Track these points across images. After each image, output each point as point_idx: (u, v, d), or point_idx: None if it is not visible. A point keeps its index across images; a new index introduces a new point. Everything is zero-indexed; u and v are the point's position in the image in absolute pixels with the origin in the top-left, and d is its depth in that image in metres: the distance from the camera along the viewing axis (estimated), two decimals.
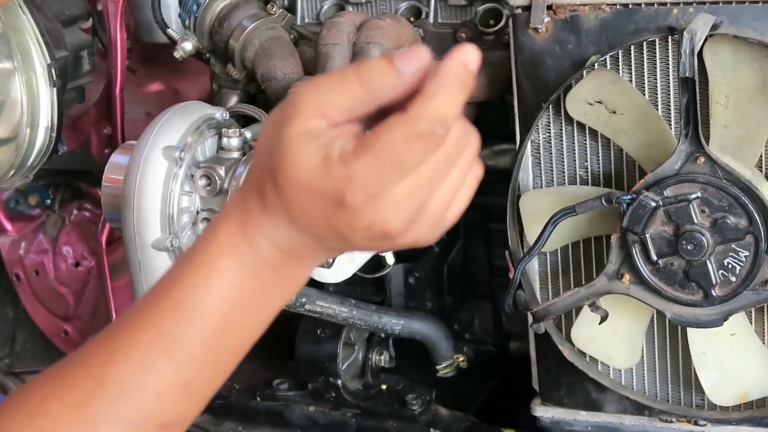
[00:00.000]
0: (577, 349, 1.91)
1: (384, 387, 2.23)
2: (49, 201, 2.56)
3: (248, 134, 1.90)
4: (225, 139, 1.86)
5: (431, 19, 2.16)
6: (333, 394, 2.18)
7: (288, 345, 2.23)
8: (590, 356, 1.93)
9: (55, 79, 2.05)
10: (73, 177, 2.43)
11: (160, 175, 1.80)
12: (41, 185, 2.50)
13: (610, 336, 1.86)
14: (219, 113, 1.89)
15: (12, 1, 2.04)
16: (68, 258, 2.56)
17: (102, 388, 1.02)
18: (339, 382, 2.17)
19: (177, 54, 2.17)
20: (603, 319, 1.81)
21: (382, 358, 2.24)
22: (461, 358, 2.26)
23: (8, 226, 2.60)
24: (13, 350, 2.85)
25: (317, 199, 1.01)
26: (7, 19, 2.05)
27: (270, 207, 1.04)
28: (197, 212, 1.84)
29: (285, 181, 1.02)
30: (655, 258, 1.72)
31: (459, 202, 1.14)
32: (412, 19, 2.17)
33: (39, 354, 2.83)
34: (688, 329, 1.81)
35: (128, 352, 1.03)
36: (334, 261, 1.80)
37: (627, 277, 1.76)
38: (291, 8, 2.27)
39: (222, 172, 1.81)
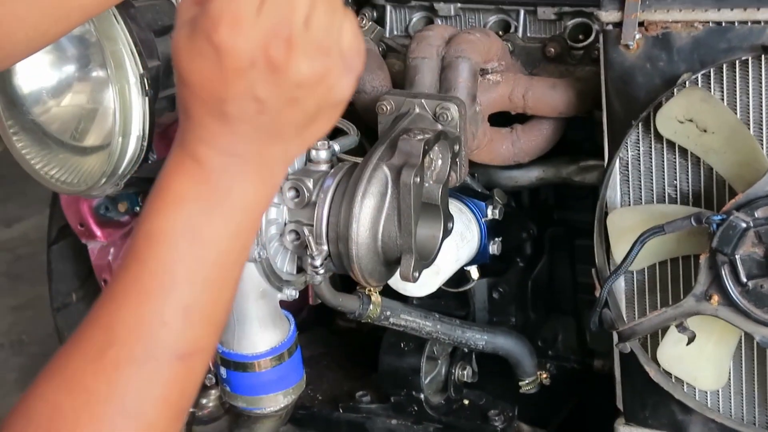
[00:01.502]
0: (663, 369, 1.89)
1: (466, 402, 2.23)
2: (138, 208, 2.58)
3: (336, 147, 1.90)
4: (313, 152, 1.86)
5: (520, 33, 2.16)
6: (415, 408, 2.18)
7: (371, 357, 2.23)
8: (676, 377, 1.91)
9: (147, 88, 2.07)
10: None
11: None
12: (131, 192, 2.53)
13: (696, 357, 1.84)
14: None
15: (107, 10, 2.06)
16: None
17: (112, 333, 1.06)
18: (421, 395, 2.17)
19: None
20: (690, 340, 1.79)
21: (465, 372, 2.24)
22: (544, 375, 2.25)
23: (98, 232, 2.62)
24: None
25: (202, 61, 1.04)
26: (101, 28, 2.07)
27: (191, 116, 1.08)
28: (285, 224, 1.85)
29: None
30: (744, 280, 1.69)
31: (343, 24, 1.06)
32: (500, 32, 2.17)
33: None
34: None
35: (124, 295, 1.07)
36: (420, 274, 1.79)
37: (715, 298, 1.73)
38: (380, 21, 2.28)
39: (310, 184, 1.82)
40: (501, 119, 2.10)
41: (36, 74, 2.18)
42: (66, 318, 2.86)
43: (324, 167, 1.85)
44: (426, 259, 1.81)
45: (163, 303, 1.07)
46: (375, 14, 2.29)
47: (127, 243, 1.13)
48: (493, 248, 2.12)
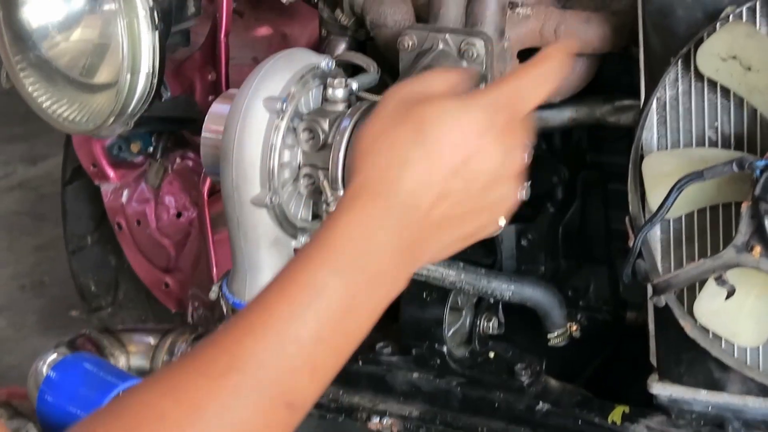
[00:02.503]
0: (700, 324, 1.80)
1: (491, 355, 2.14)
2: (151, 149, 2.51)
3: (355, 85, 1.80)
4: (330, 90, 1.76)
5: None
6: (438, 361, 2.10)
7: (393, 307, 2.13)
8: (714, 333, 1.81)
9: (157, 22, 1.98)
10: (176, 124, 2.37)
11: (261, 127, 1.71)
12: (144, 132, 2.45)
13: (736, 312, 1.74)
14: (324, 62, 1.79)
15: None
16: (170, 208, 2.51)
17: (239, 362, 1.07)
18: (444, 348, 2.09)
19: None
20: (730, 293, 1.69)
21: (491, 324, 2.15)
22: (574, 327, 2.16)
23: (111, 173, 2.56)
24: (116, 299, 2.84)
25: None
26: None
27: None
28: (299, 167, 1.76)
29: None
30: None
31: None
32: None
33: (141, 304, 2.80)
34: None
35: (262, 330, 1.09)
36: None
37: (758, 249, 1.63)
38: None
39: (326, 125, 1.72)
40: (531, 56, 1.98)
41: (44, 8, 2.11)
42: (81, 261, 2.81)
43: (341, 107, 1.76)
44: None
45: (298, 352, 1.09)
46: None
47: (278, 275, 1.15)
48: (521, 193, 2.01)
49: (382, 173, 1.14)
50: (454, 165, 1.15)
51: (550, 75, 1.22)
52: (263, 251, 1.76)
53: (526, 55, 1.97)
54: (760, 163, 1.59)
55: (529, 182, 2.02)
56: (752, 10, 1.64)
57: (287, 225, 1.76)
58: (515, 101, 1.20)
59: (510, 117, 1.19)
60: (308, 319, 1.09)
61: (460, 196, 1.17)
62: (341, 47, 2.16)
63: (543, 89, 1.22)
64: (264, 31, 2.58)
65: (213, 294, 1.88)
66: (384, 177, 1.14)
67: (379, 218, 1.13)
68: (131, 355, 2.17)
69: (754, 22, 1.65)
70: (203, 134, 1.82)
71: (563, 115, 2.09)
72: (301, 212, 1.79)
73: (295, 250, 1.81)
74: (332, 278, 1.10)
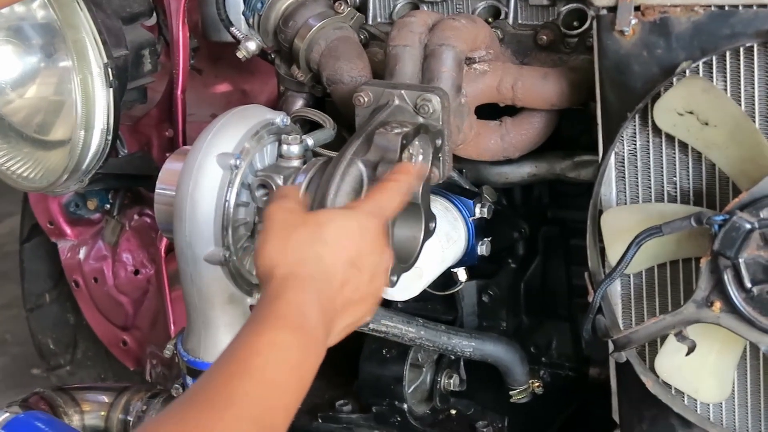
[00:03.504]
0: (662, 380, 1.78)
1: (453, 412, 2.14)
2: (108, 206, 2.48)
3: (310, 141, 1.79)
4: (285, 146, 1.75)
5: (510, 20, 2.03)
6: (398, 419, 2.08)
7: (352, 364, 2.12)
8: (676, 389, 1.79)
9: (112, 79, 1.97)
10: (133, 181, 2.35)
11: (214, 183, 1.69)
12: (100, 189, 2.43)
13: (698, 368, 1.73)
14: (279, 118, 1.77)
15: None
16: (128, 265, 2.49)
17: (236, 398, 1.23)
18: (405, 405, 2.07)
19: (240, 54, 2.08)
20: (690, 349, 1.67)
21: (452, 381, 2.14)
22: (537, 384, 2.15)
23: (68, 230, 2.53)
24: (75, 357, 2.80)
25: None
26: (63, 15, 1.97)
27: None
28: (254, 224, 1.73)
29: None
30: (749, 285, 1.58)
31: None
32: (490, 19, 2.05)
33: (101, 362, 2.77)
34: None
35: (246, 375, 1.26)
36: (398, 278, 1.68)
37: (717, 304, 1.62)
38: (362, 7, 2.16)
39: (280, 181, 1.70)
40: (489, 111, 1.98)
41: None
42: (39, 319, 2.78)
43: (296, 163, 1.74)
44: (405, 262, 1.70)
45: (275, 394, 1.27)
46: (357, 1, 2.17)
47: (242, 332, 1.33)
48: (482, 249, 2.01)
49: (300, 264, 1.38)
50: (350, 257, 1.41)
51: (404, 189, 1.53)
52: (218, 309, 1.74)
53: (484, 109, 1.96)
54: (718, 218, 1.57)
55: (490, 238, 2.02)
56: (708, 65, 1.63)
57: (242, 282, 1.74)
58: (380, 210, 1.48)
59: (378, 223, 1.46)
60: (278, 367, 1.28)
61: (356, 283, 1.42)
62: (299, 103, 2.15)
63: (399, 200, 1.52)
64: (223, 87, 2.57)
65: (168, 352, 1.85)
66: (302, 267, 1.38)
67: (308, 294, 1.36)
68: (85, 413, 2.13)
69: (711, 77, 1.64)
70: (157, 191, 1.80)
71: (523, 171, 2.07)
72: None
73: (250, 307, 1.78)
74: (288, 336, 1.31)
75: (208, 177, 1.69)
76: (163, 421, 1.24)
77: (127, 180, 2.34)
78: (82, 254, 2.52)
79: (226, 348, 1.32)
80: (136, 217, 2.47)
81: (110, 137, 1.99)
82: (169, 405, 1.28)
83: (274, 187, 1.70)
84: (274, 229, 1.42)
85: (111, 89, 1.97)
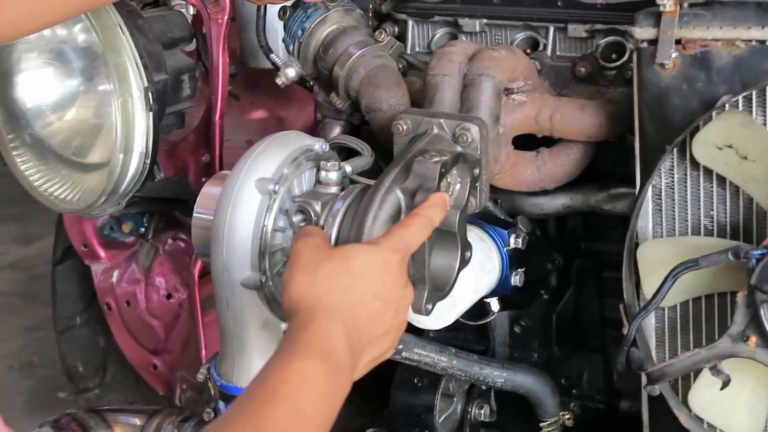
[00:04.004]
0: (695, 414, 1.77)
1: None
2: (143, 229, 2.49)
3: (348, 168, 1.79)
4: (323, 173, 1.76)
5: (549, 52, 2.04)
6: None
7: (384, 392, 2.12)
8: (708, 423, 1.78)
9: (152, 102, 1.98)
10: (169, 205, 2.36)
11: (252, 208, 1.70)
12: (135, 213, 2.44)
13: (731, 402, 1.72)
14: (318, 145, 1.78)
15: (113, 20, 1.97)
16: (160, 289, 2.49)
17: (266, 426, 1.26)
18: None
19: (279, 80, 2.09)
20: (725, 384, 1.66)
21: (483, 411, 2.13)
22: (567, 416, 2.14)
23: (102, 253, 2.54)
24: (104, 380, 2.81)
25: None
26: (106, 39, 1.98)
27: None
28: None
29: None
30: None
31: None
32: (528, 50, 2.06)
33: (129, 386, 2.77)
34: None
35: (274, 404, 1.29)
36: (434, 306, 1.68)
37: (753, 339, 1.61)
38: (401, 36, 2.17)
39: (318, 207, 1.71)
40: (526, 142, 1.98)
41: (39, 88, 2.10)
42: (69, 342, 2.79)
43: (334, 189, 1.75)
44: (441, 290, 1.70)
45: (302, 422, 1.29)
46: (396, 29, 2.19)
47: (270, 362, 1.37)
48: (516, 279, 2.01)
49: (327, 296, 1.40)
50: (376, 290, 1.44)
51: (429, 223, 1.55)
52: (252, 333, 1.74)
53: (521, 140, 1.97)
54: (756, 252, 1.57)
55: (524, 269, 2.02)
56: (748, 99, 1.63)
57: (277, 307, 1.74)
58: (404, 246, 1.50)
59: (402, 258, 1.49)
60: (306, 396, 1.31)
61: (382, 316, 1.44)
62: (336, 130, 2.16)
63: (424, 235, 1.54)
64: (259, 113, 2.58)
65: (201, 376, 1.85)
66: (329, 299, 1.40)
67: (335, 324, 1.38)
68: None
69: (750, 111, 1.64)
70: (194, 214, 1.80)
71: (558, 202, 2.07)
72: None
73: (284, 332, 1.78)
74: (316, 365, 1.33)
75: (246, 202, 1.70)
76: None
77: (163, 204, 2.35)
78: (115, 277, 2.53)
79: (255, 377, 1.35)
80: (170, 241, 2.48)
81: (149, 161, 2.00)
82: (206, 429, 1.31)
83: (312, 214, 1.70)
84: (301, 264, 1.45)
85: (151, 113, 1.98)
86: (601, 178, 2.06)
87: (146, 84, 1.97)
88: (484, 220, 2.00)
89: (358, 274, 1.43)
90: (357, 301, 1.42)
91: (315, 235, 1.51)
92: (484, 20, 2.11)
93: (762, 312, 1.59)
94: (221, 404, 1.80)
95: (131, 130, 1.97)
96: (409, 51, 2.17)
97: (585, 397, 2.29)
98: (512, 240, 1.99)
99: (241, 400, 1.32)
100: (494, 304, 2.04)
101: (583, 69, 1.98)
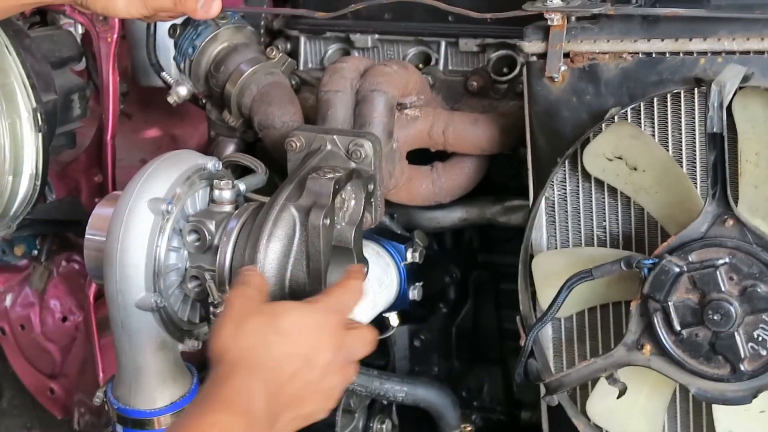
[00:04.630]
0: (593, 423, 1.79)
1: None
2: (36, 252, 2.44)
3: (242, 186, 1.78)
4: (217, 192, 1.74)
5: (441, 66, 2.06)
6: None
7: None
8: (607, 431, 1.79)
9: (41, 123, 1.94)
10: (62, 227, 2.32)
11: (145, 229, 1.68)
12: (27, 235, 2.39)
13: (628, 410, 1.73)
14: (211, 163, 1.76)
15: None
16: (55, 312, 2.45)
17: None
18: None
19: (171, 99, 2.07)
20: (621, 392, 1.69)
21: (384, 426, 2.13)
22: (469, 428, 2.15)
23: None
24: (0, 406, 2.75)
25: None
26: None
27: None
28: (186, 270, 1.72)
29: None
30: (678, 328, 1.59)
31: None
32: (421, 65, 2.07)
33: (27, 411, 2.72)
34: (714, 406, 1.68)
35: None
36: None
37: (648, 347, 1.63)
38: (293, 52, 2.17)
39: (212, 226, 1.69)
40: (421, 157, 1.98)
41: None
42: None
43: (228, 208, 1.73)
44: None
45: None
46: (289, 46, 2.19)
47: (190, 411, 1.39)
48: (414, 293, 2.01)
49: (250, 351, 1.40)
50: (301, 351, 1.43)
51: (359, 288, 1.56)
52: (149, 355, 1.72)
53: (416, 155, 1.97)
54: (648, 262, 1.59)
55: (422, 283, 2.03)
56: (636, 111, 1.65)
57: (173, 328, 1.72)
58: (340, 308, 1.51)
59: (337, 320, 1.48)
60: None
61: (306, 378, 1.43)
62: (230, 148, 2.14)
63: (357, 298, 1.55)
64: (153, 132, 2.55)
65: (97, 399, 1.82)
66: (252, 354, 1.40)
67: (254, 381, 1.38)
68: None
69: (639, 123, 1.65)
70: (86, 236, 1.78)
71: (454, 216, 2.08)
72: (188, 315, 1.75)
73: (182, 354, 1.76)
74: (231, 419, 1.32)
75: (138, 222, 1.68)
76: None
77: (56, 226, 2.31)
78: (8, 301, 2.48)
79: (171, 425, 1.41)
80: (64, 263, 2.44)
81: (39, 182, 1.96)
82: None
83: (206, 233, 1.68)
84: (231, 315, 1.44)
85: (40, 134, 1.93)
86: (495, 191, 2.07)
87: (35, 105, 1.93)
88: (380, 235, 2.00)
89: (285, 333, 1.42)
90: (280, 360, 1.41)
91: (250, 285, 1.50)
92: (376, 36, 2.12)
93: (655, 320, 1.61)
94: (119, 428, 1.78)
95: (20, 152, 1.93)
96: (301, 67, 2.17)
97: (486, 408, 2.30)
98: (409, 254, 1.99)
99: None
100: (393, 318, 2.04)
101: (475, 83, 2.00)
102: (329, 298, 1.51)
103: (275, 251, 1.61)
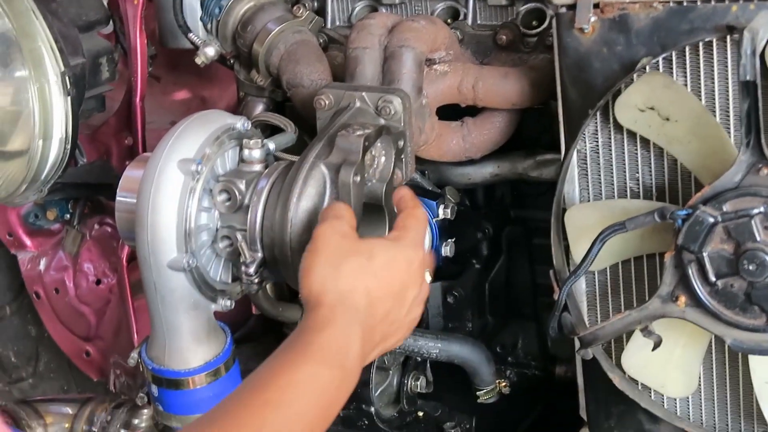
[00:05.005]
0: (629, 376, 1.78)
1: (420, 414, 2.13)
2: (68, 215, 2.45)
3: (271, 145, 1.77)
4: (246, 151, 1.73)
5: (470, 21, 2.04)
6: (366, 422, 2.07)
7: None
8: (642, 384, 1.79)
9: (69, 87, 1.94)
10: (93, 190, 2.33)
11: (175, 189, 1.67)
12: (60, 199, 2.40)
13: (664, 363, 1.73)
14: (240, 123, 1.76)
15: (25, 5, 1.93)
16: (89, 275, 2.46)
17: (265, 428, 1.28)
18: (372, 409, 2.06)
19: (199, 60, 2.07)
20: (656, 344, 1.67)
21: (419, 383, 2.12)
22: (504, 383, 2.14)
23: (27, 241, 2.50)
24: (37, 370, 2.77)
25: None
26: (19, 24, 1.94)
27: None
28: (216, 229, 1.72)
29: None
30: (713, 279, 1.58)
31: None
32: (449, 21, 2.05)
33: (63, 374, 2.74)
34: (750, 356, 1.67)
35: (276, 405, 1.30)
36: None
37: (682, 299, 1.62)
38: (321, 11, 2.15)
39: (242, 186, 1.69)
40: (451, 112, 1.97)
41: None
42: (1, 332, 2.74)
43: (258, 167, 1.73)
44: None
45: (301, 427, 1.32)
46: (316, 4, 2.17)
47: (280, 358, 1.38)
48: (446, 250, 2.00)
49: (350, 295, 1.42)
50: (394, 290, 1.47)
51: (425, 215, 1.61)
52: (182, 315, 1.72)
53: (446, 110, 1.96)
54: (682, 213, 1.57)
55: (454, 239, 2.02)
56: (668, 61, 1.63)
57: (206, 288, 1.72)
58: (420, 240, 1.54)
59: (421, 255, 1.53)
60: (311, 403, 1.33)
61: (396, 315, 1.48)
62: (259, 108, 2.14)
63: (426, 226, 1.60)
64: (182, 94, 2.55)
65: (132, 360, 1.83)
66: (352, 298, 1.42)
67: (353, 327, 1.40)
68: (49, 425, 2.11)
69: (671, 73, 1.64)
70: (117, 198, 1.78)
71: (485, 171, 2.07)
72: (220, 275, 1.75)
73: (215, 314, 1.76)
74: (328, 373, 1.35)
75: (169, 183, 1.67)
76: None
77: (87, 189, 2.31)
78: (42, 265, 2.49)
79: (265, 365, 1.35)
80: (96, 226, 2.45)
81: (69, 146, 1.96)
82: (197, 421, 1.34)
83: (236, 193, 1.68)
84: (327, 254, 1.45)
85: (69, 98, 1.94)
86: (527, 146, 2.06)
87: (62, 68, 1.93)
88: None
89: (381, 274, 1.45)
90: (376, 302, 1.44)
91: (342, 220, 1.50)
92: None
93: (690, 272, 1.59)
94: (153, 388, 1.78)
95: (49, 116, 1.93)
96: (329, 26, 2.15)
97: (520, 364, 2.30)
98: (441, 211, 1.98)
99: (246, 391, 1.32)
100: (426, 275, 2.02)
101: (504, 37, 1.98)
102: (411, 232, 1.53)
103: (306, 209, 1.60)
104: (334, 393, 1.35)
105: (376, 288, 1.44)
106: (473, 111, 1.98)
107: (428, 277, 2.02)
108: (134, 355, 1.82)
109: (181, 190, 1.67)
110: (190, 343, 1.73)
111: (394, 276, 1.47)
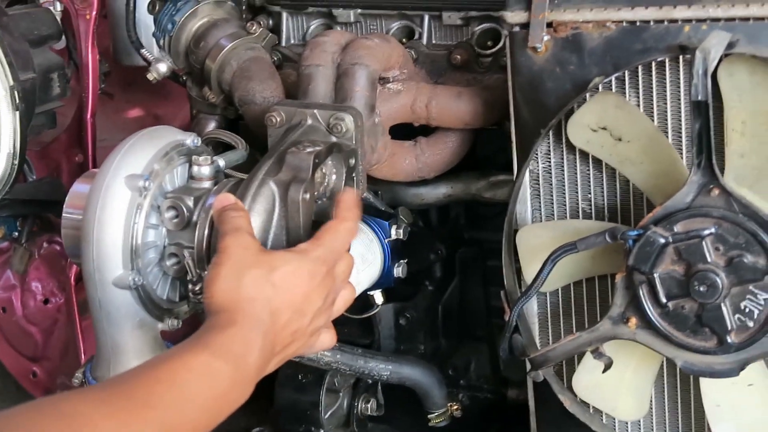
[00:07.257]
0: (579, 399, 1.76)
1: None
2: (16, 233, 2.42)
3: (221, 162, 1.75)
4: (195, 168, 1.71)
5: (425, 40, 2.03)
6: None
7: (268, 390, 2.08)
8: (594, 407, 1.78)
9: (18, 102, 1.91)
10: (42, 207, 2.30)
11: (122, 206, 1.65)
12: (7, 216, 2.36)
13: (615, 385, 1.71)
14: (190, 139, 1.74)
15: None
16: (37, 294, 2.43)
17: (154, 401, 1.27)
18: (322, 431, 2.04)
19: (150, 76, 2.05)
20: (607, 366, 1.66)
21: (369, 405, 2.11)
22: (455, 407, 2.12)
23: None
24: None
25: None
26: None
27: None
28: (164, 247, 1.69)
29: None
30: (664, 300, 1.57)
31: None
32: (404, 40, 2.04)
33: (9, 395, 2.69)
34: (701, 379, 1.65)
35: (168, 385, 1.30)
36: None
37: (633, 320, 1.61)
38: (276, 29, 2.14)
39: (191, 203, 1.66)
40: (404, 132, 1.96)
41: None
42: None
43: (207, 184, 1.71)
44: None
45: (189, 413, 1.30)
46: (271, 22, 2.15)
47: (181, 346, 1.37)
48: (399, 271, 1.98)
49: (251, 305, 1.43)
50: (295, 301, 1.47)
51: (353, 227, 1.58)
52: (127, 334, 1.69)
53: (399, 129, 1.94)
54: (633, 233, 1.56)
55: (406, 260, 2.00)
56: (621, 81, 1.63)
57: (152, 307, 1.70)
58: (331, 255, 1.53)
59: (327, 269, 1.52)
60: (203, 389, 1.32)
61: (297, 326, 1.48)
62: (211, 125, 2.12)
63: (349, 239, 1.57)
64: (136, 112, 2.53)
65: (76, 380, 1.80)
66: (253, 308, 1.43)
67: (253, 333, 1.41)
68: None
69: (624, 93, 1.63)
70: (64, 215, 1.75)
71: (439, 192, 2.06)
72: (167, 293, 1.73)
73: (163, 334, 1.74)
74: (224, 367, 1.34)
75: (115, 199, 1.65)
76: (81, 399, 1.25)
77: (36, 206, 2.28)
78: None
79: (161, 354, 1.38)
80: (45, 244, 2.41)
81: (17, 162, 1.93)
82: (92, 386, 1.35)
83: (184, 210, 1.66)
84: (229, 265, 1.46)
85: (17, 113, 1.91)
86: (481, 167, 2.05)
87: (11, 83, 1.91)
88: (364, 211, 1.96)
89: (281, 285, 1.46)
90: (277, 312, 1.45)
91: (241, 231, 1.50)
92: (359, 10, 2.09)
93: (641, 293, 1.58)
94: None
95: None
96: (284, 44, 2.14)
97: (473, 387, 2.28)
98: (394, 231, 1.96)
99: (137, 370, 1.32)
100: (378, 296, 2.01)
101: (459, 57, 1.97)
102: (321, 247, 1.52)
103: (255, 226, 1.58)
104: (226, 388, 1.35)
105: (276, 299, 1.45)
106: (427, 131, 1.96)
107: (380, 299, 2.01)
108: (78, 375, 1.79)
109: (128, 206, 1.65)
110: (136, 362, 1.69)
111: (296, 288, 1.48)
